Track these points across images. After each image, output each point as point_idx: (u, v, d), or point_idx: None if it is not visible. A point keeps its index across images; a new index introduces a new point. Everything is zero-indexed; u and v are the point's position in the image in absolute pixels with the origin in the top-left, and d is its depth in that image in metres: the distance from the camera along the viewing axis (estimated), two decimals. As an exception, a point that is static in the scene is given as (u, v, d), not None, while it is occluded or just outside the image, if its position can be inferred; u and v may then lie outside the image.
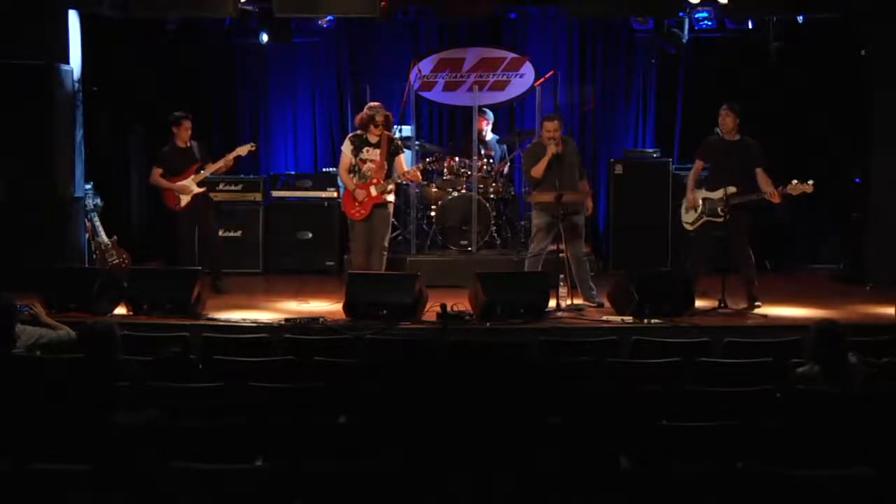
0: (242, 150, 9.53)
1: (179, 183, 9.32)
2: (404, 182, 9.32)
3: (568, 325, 7.97)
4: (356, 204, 8.72)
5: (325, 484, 4.30)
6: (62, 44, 9.48)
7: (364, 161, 8.72)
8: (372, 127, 8.68)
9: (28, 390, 5.47)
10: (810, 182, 8.11)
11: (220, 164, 9.41)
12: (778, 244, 10.92)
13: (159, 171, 9.35)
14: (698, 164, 8.77)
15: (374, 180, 8.69)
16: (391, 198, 8.85)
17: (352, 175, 8.74)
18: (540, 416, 5.13)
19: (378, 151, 8.73)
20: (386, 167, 8.74)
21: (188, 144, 9.41)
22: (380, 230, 8.76)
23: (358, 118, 8.87)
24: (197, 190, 9.37)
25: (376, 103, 8.90)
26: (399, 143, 8.99)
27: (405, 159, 9.05)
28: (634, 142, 11.65)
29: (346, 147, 8.82)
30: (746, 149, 8.48)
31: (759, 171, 8.39)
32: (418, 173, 9.10)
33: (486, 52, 10.83)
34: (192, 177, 9.35)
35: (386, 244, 8.85)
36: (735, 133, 8.50)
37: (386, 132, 8.79)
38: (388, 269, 9.43)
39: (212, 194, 9.85)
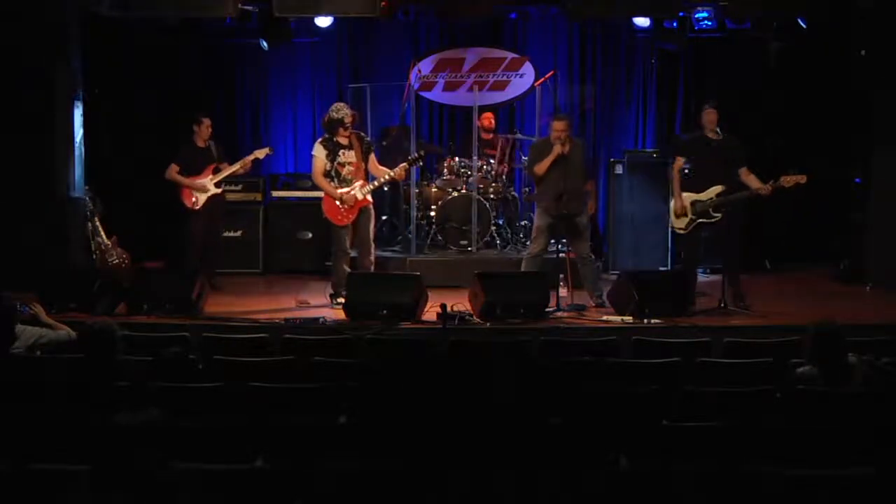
0: (260, 154, 9.62)
1: (198, 181, 9.37)
2: (387, 183, 9.14)
3: (568, 325, 7.97)
4: (342, 209, 8.56)
5: (325, 484, 4.30)
6: (62, 44, 9.49)
7: (343, 165, 8.58)
8: (341, 129, 8.54)
9: (28, 390, 5.47)
10: (802, 174, 8.09)
11: (238, 166, 9.49)
12: (778, 244, 10.93)
13: (176, 167, 9.41)
14: (679, 161, 8.66)
15: (359, 183, 8.61)
16: (371, 199, 8.71)
17: (330, 180, 8.58)
18: (540, 416, 5.13)
19: (353, 153, 8.60)
20: (363, 167, 8.66)
21: (207, 144, 9.49)
22: (365, 230, 8.65)
23: (325, 120, 8.67)
24: (214, 190, 9.45)
25: (341, 104, 8.79)
26: (369, 140, 8.89)
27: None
28: (634, 142, 11.66)
29: (320, 151, 8.60)
30: (731, 148, 8.42)
31: (743, 169, 8.38)
32: (402, 172, 8.88)
33: (486, 53, 10.84)
34: (210, 177, 9.41)
35: (371, 239, 8.75)
36: (717, 132, 8.45)
37: (353, 131, 8.67)
38: (389, 269, 9.45)
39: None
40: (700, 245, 8.67)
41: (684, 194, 8.48)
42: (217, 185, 9.47)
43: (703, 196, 8.39)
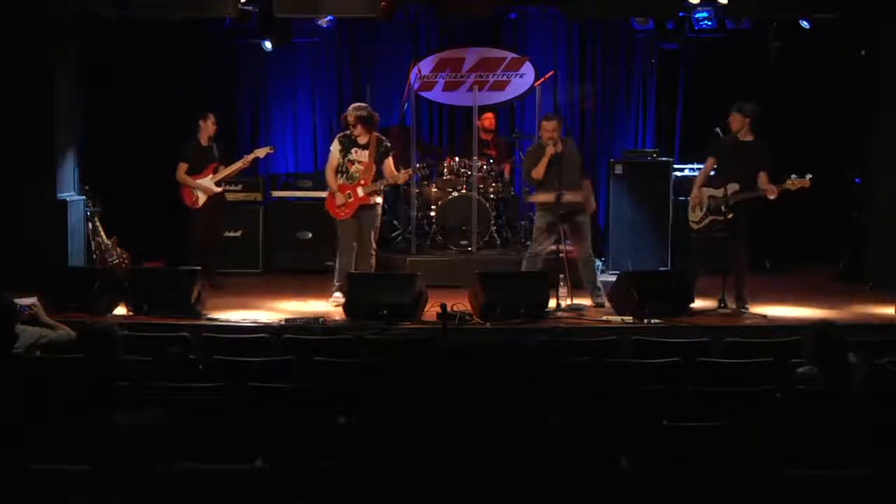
0: (261, 153, 9.64)
1: (201, 181, 9.40)
2: (389, 186, 9.22)
3: (568, 325, 7.97)
4: (339, 204, 8.70)
5: (325, 484, 4.30)
6: (62, 44, 9.49)
7: (352, 162, 8.71)
8: (351, 128, 8.68)
9: (28, 390, 5.46)
10: (808, 177, 8.07)
11: (238, 165, 9.51)
12: (778, 244, 10.92)
13: (185, 166, 9.42)
14: (710, 162, 8.69)
15: (362, 181, 8.68)
16: (379, 199, 8.83)
17: (339, 175, 8.72)
18: (540, 416, 5.13)
19: (366, 153, 8.71)
20: (374, 169, 8.71)
21: (209, 143, 9.50)
22: (367, 229, 8.74)
23: (343, 117, 8.88)
24: (216, 189, 9.45)
25: (360, 104, 8.90)
26: (388, 144, 8.92)
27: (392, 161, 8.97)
28: (634, 142, 11.66)
29: (335, 147, 8.79)
30: (754, 151, 8.42)
31: (762, 174, 8.36)
32: (406, 177, 9.09)
33: (486, 52, 10.84)
34: (211, 176, 9.43)
35: (373, 243, 8.82)
36: (748, 134, 8.43)
37: (375, 133, 8.77)
38: (389, 269, 9.46)
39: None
40: (710, 244, 8.62)
41: (703, 189, 8.55)
42: (217, 184, 9.49)
43: (718, 193, 8.41)
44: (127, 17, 9.60)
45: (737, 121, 8.41)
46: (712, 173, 8.71)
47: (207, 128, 9.45)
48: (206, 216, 9.47)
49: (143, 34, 10.41)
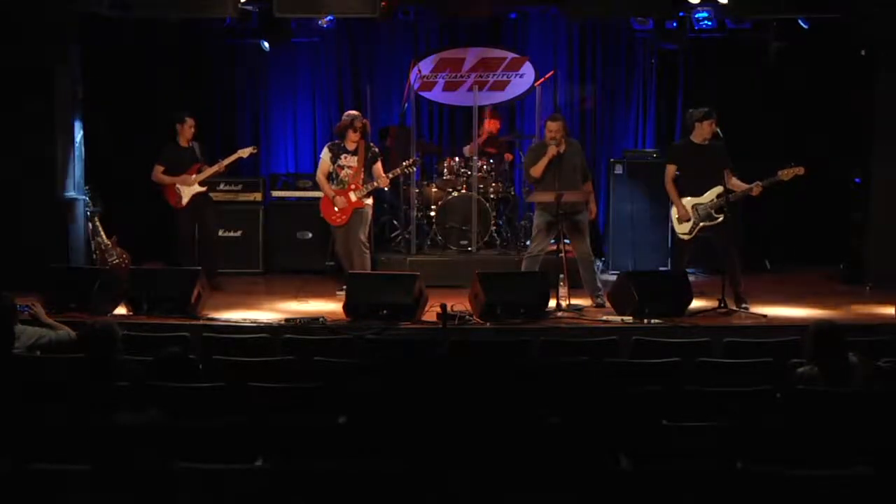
0: (244, 153, 9.66)
1: (181, 178, 9.40)
2: (379, 187, 9.29)
3: (568, 325, 7.97)
4: (336, 210, 8.99)
5: (325, 484, 4.30)
6: (62, 44, 9.49)
7: (342, 168, 8.98)
8: (350, 133, 8.93)
9: (28, 390, 5.46)
10: (799, 166, 8.12)
11: (221, 165, 9.49)
12: (778, 244, 10.92)
13: (161, 168, 9.45)
14: (672, 169, 8.68)
15: (353, 186, 8.94)
16: (369, 201, 9.07)
17: (330, 182, 9.00)
18: (540, 416, 5.13)
19: (355, 158, 8.97)
20: (363, 173, 8.95)
21: (190, 144, 9.50)
22: (357, 230, 8.97)
23: (337, 127, 9.20)
24: (198, 189, 9.46)
25: (354, 112, 9.20)
26: (376, 150, 9.16)
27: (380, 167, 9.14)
28: (634, 142, 11.65)
29: (325, 154, 9.08)
30: (718, 151, 8.52)
31: (726, 171, 8.44)
32: (387, 181, 9.17)
33: (486, 52, 10.84)
34: (194, 176, 9.44)
35: (364, 239, 8.99)
36: (707, 138, 8.52)
37: (363, 140, 8.99)
38: (389, 269, 9.48)
39: (212, 194, 9.93)
40: (697, 248, 8.68)
41: (684, 199, 8.55)
42: (201, 183, 9.50)
43: (704, 199, 8.46)
44: (127, 17, 9.60)
45: (714, 124, 8.45)
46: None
47: (185, 131, 9.49)
48: (193, 215, 9.51)
49: (143, 34, 10.41)
